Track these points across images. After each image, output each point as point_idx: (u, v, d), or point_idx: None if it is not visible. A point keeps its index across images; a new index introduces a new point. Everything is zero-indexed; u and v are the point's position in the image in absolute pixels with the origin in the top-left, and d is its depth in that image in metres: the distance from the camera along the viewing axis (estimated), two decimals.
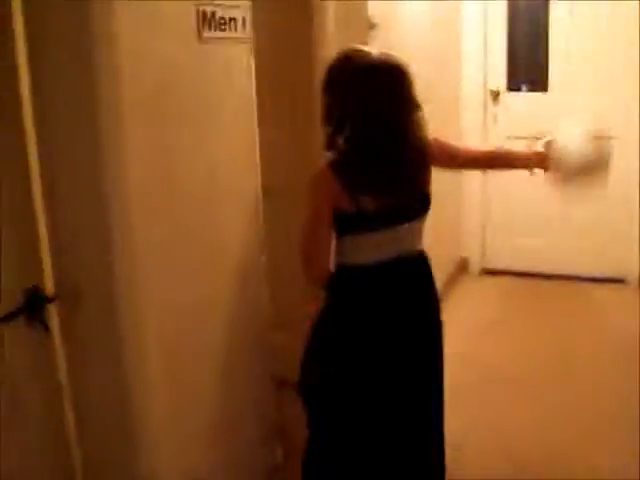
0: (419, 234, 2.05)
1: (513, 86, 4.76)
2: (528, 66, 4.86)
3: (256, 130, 2.26)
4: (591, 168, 2.27)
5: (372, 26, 2.97)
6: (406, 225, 1.99)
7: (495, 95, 4.74)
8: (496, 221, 4.92)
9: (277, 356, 2.51)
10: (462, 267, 4.95)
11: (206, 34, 1.88)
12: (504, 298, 4.54)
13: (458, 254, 4.95)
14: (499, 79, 4.73)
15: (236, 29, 1.98)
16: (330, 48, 2.78)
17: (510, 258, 4.87)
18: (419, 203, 2.01)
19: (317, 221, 1.92)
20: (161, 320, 1.84)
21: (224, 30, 1.92)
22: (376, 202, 1.90)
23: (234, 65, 2.09)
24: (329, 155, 1.94)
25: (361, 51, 1.93)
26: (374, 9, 2.98)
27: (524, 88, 4.84)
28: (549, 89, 4.70)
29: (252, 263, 2.38)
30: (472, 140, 4.61)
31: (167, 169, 1.84)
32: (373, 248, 1.98)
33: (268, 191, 3.06)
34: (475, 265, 5.00)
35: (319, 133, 2.88)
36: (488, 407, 3.21)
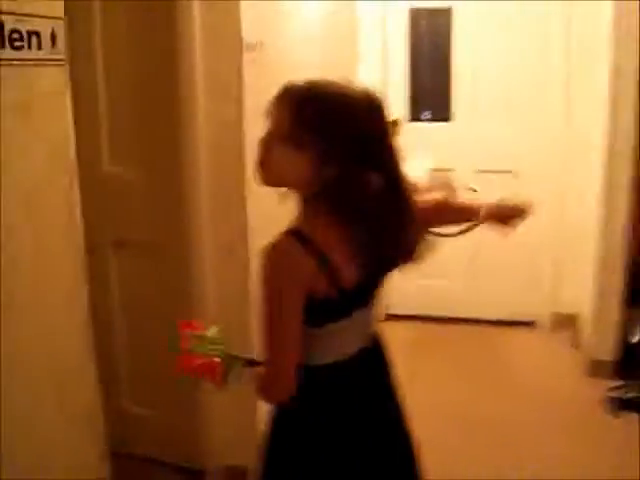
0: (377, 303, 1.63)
1: (414, 115, 4.41)
2: (430, 93, 4.53)
3: (73, 183, 1.73)
4: None
5: (250, 47, 2.50)
6: (377, 295, 1.58)
7: (394, 125, 4.36)
8: None
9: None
10: None
11: None
12: (407, 346, 4.15)
13: None
14: (400, 108, 4.37)
15: (40, 47, 1.46)
16: (197, 73, 2.33)
17: (414, 302, 4.49)
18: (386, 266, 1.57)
19: (285, 317, 1.43)
20: None
21: (19, 48, 1.39)
22: (357, 276, 1.47)
23: (37, 97, 1.57)
24: (299, 218, 1.47)
25: (343, 85, 1.48)
26: (255, 29, 2.52)
27: (425, 117, 4.52)
28: (452, 118, 4.37)
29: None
30: None
31: None
32: (348, 337, 1.56)
33: (122, 244, 2.56)
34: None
35: (187, 173, 2.43)
36: None
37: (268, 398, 1.54)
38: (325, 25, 3.45)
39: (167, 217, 2.55)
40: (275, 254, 1.42)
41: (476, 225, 1.88)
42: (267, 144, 1.44)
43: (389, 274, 1.59)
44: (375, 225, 1.46)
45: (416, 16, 4.35)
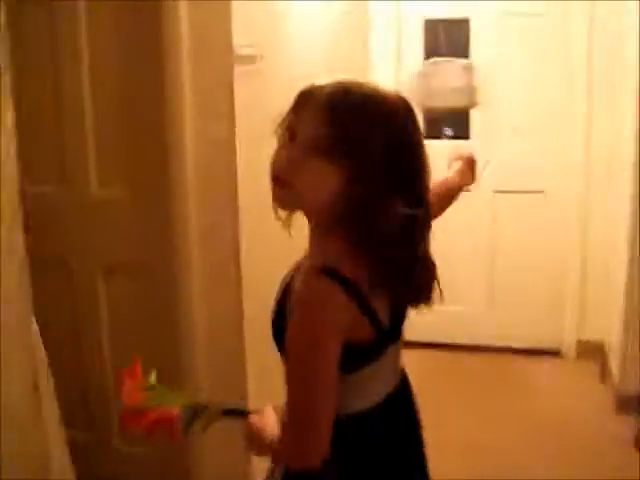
0: None
1: (431, 133, 4.21)
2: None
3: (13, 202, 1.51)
4: None
5: (245, 59, 2.33)
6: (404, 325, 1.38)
7: None
8: None
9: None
10: None
11: None
12: (422, 376, 3.91)
13: None
14: None
15: None
16: (183, 88, 2.16)
17: (429, 328, 4.25)
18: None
19: (322, 371, 1.21)
20: None
21: None
22: (390, 309, 1.29)
23: None
24: (319, 250, 1.27)
25: (376, 87, 1.27)
26: (250, 37, 2.35)
27: (446, 135, 4.32)
28: (471, 136, 4.16)
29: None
30: None
31: None
32: (383, 377, 1.35)
33: (111, 268, 2.40)
34: None
35: (175, 193, 2.26)
36: None
37: (296, 463, 1.29)
38: (333, 34, 3.26)
39: (155, 239, 2.38)
40: (314, 300, 1.20)
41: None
42: (290, 157, 1.23)
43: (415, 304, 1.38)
44: (403, 252, 1.25)
45: (432, 27, 4.16)
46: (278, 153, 1.26)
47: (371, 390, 1.33)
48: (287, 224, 1.32)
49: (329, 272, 1.20)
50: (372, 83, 1.28)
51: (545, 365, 4.05)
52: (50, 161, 2.45)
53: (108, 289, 2.54)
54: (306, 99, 1.25)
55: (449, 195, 1.72)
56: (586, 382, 3.76)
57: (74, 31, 2.31)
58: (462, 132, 4.21)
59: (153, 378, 1.38)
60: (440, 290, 1.34)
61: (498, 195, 4.04)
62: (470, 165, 1.79)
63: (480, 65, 4.03)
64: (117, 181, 2.38)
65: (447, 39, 4.23)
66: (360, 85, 1.26)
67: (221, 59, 2.20)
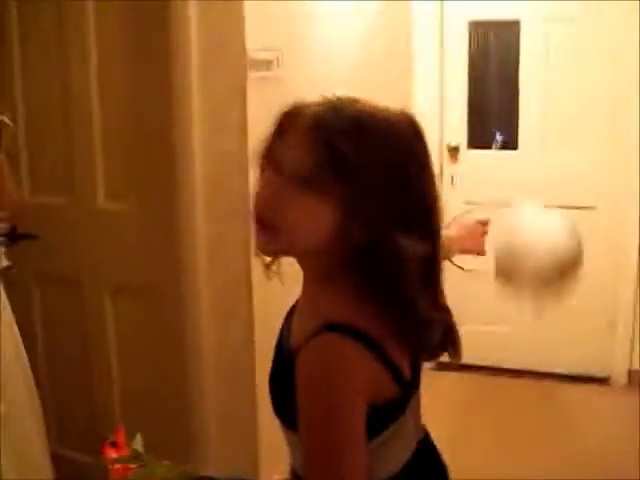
0: None
1: (475, 142, 3.97)
2: (494, 119, 4.11)
3: None
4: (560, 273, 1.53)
5: (261, 64, 2.15)
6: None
7: (453, 152, 3.93)
8: (452, 301, 4.05)
9: None
10: None
11: None
12: (459, 402, 3.71)
13: None
14: (458, 133, 3.93)
15: None
16: (192, 95, 2.00)
17: (470, 349, 3.98)
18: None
19: (351, 441, 1.00)
20: None
21: None
22: (409, 358, 1.11)
23: None
24: (322, 303, 1.07)
25: (376, 104, 1.07)
26: (268, 41, 2.17)
27: (495, 144, 4.08)
28: (519, 146, 3.90)
29: None
30: None
31: None
32: (407, 434, 1.16)
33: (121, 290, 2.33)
34: None
35: (183, 205, 2.11)
36: None
37: None
38: (367, 36, 3.04)
39: (163, 255, 2.25)
40: (336, 366, 1.00)
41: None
42: (275, 194, 1.04)
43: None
44: (418, 298, 1.06)
45: (477, 29, 3.91)
46: (261, 188, 1.06)
47: (395, 453, 1.13)
48: (271, 270, 1.13)
49: (344, 329, 1.01)
50: (371, 100, 1.07)
51: (593, 393, 3.79)
52: (57, 172, 2.37)
53: (115, 305, 2.43)
54: (291, 121, 1.05)
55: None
56: (636, 413, 3.46)
57: (82, 33, 2.19)
58: (510, 142, 3.96)
59: (139, 444, 1.22)
60: (458, 341, 1.17)
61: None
62: (474, 232, 1.58)
63: (529, 70, 3.77)
64: (124, 194, 2.27)
65: (495, 42, 3.98)
66: (354, 102, 1.06)
67: (233, 64, 2.04)
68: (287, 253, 1.09)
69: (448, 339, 1.15)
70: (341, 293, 1.04)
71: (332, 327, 1.01)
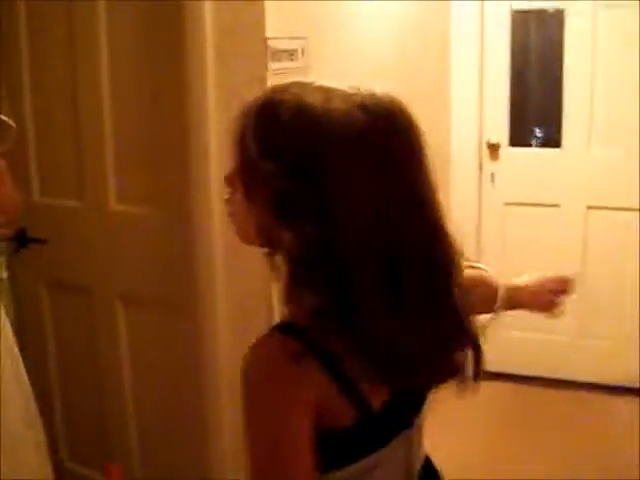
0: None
1: (517, 139, 3.75)
2: (537, 115, 3.89)
3: None
4: None
5: (284, 55, 1.98)
6: (418, 420, 1.09)
7: (494, 149, 3.72)
8: None
9: None
10: None
11: None
12: (496, 412, 3.51)
13: None
14: (499, 130, 3.72)
15: None
16: (207, 87, 1.85)
17: (509, 357, 3.77)
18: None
19: (287, 461, 0.91)
20: None
21: None
22: (384, 391, 0.99)
23: None
24: (285, 308, 0.98)
25: (328, 91, 0.94)
26: (291, 30, 2.00)
27: (535, 142, 3.86)
28: (563, 144, 3.68)
29: None
30: (462, 206, 3.57)
31: None
32: (391, 475, 1.05)
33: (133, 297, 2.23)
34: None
35: (198, 209, 1.98)
36: None
37: None
38: (403, 22, 2.83)
39: (177, 261, 2.13)
40: (259, 365, 0.94)
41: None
42: (228, 184, 1.03)
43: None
44: (392, 325, 0.93)
45: (519, 18, 3.69)
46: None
47: None
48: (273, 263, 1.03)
49: (282, 328, 0.95)
50: (336, 86, 0.96)
51: (631, 404, 3.57)
52: (67, 174, 2.28)
53: (128, 314, 2.33)
54: (240, 120, 0.97)
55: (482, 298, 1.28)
56: None
57: (93, 30, 2.09)
58: (553, 139, 3.73)
59: None
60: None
61: (592, 212, 3.55)
62: (553, 288, 1.40)
63: (573, 62, 3.56)
64: (137, 196, 2.18)
65: (537, 35, 3.76)
66: (306, 86, 0.95)
67: (252, 54, 1.89)
68: (252, 243, 1.03)
69: (452, 364, 1.04)
70: (313, 301, 0.93)
71: (277, 326, 0.96)
